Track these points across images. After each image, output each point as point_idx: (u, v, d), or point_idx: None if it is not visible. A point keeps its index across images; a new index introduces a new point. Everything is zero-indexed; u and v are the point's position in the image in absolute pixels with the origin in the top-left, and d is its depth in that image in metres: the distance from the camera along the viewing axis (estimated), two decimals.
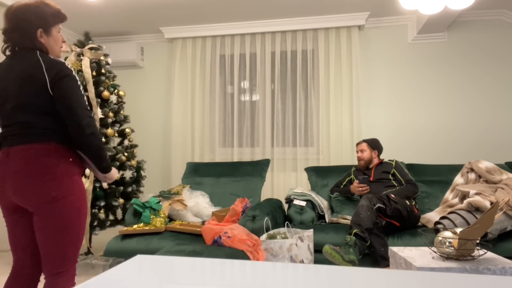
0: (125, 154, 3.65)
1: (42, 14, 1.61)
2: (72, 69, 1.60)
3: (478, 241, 1.90)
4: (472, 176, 3.10)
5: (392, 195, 2.90)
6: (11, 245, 1.65)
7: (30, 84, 1.52)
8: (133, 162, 3.70)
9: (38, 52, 1.58)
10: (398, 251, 2.10)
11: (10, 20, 1.60)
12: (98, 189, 3.33)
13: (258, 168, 3.68)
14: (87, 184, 3.20)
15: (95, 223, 3.37)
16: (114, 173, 1.73)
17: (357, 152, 3.38)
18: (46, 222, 1.53)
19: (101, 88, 3.52)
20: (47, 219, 1.52)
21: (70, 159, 1.59)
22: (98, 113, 3.36)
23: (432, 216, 3.00)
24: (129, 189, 3.60)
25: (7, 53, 1.64)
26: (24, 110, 1.54)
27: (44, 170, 1.52)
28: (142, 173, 3.84)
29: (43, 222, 1.53)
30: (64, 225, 1.54)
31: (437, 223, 2.71)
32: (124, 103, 3.81)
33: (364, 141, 3.40)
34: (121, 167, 3.58)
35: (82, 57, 3.41)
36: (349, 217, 3.01)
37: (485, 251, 1.93)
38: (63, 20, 1.70)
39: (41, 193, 1.51)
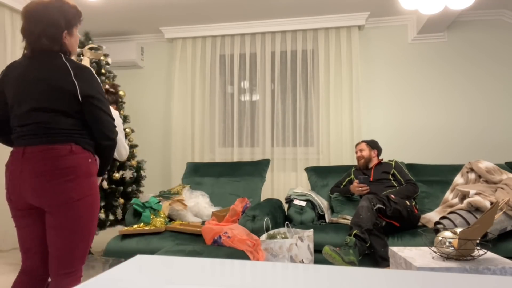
0: None
1: (67, 16, 1.60)
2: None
3: (478, 241, 1.90)
4: (472, 176, 3.10)
5: (392, 196, 2.90)
6: (21, 247, 1.62)
7: (58, 91, 1.52)
8: (133, 162, 3.70)
9: (62, 55, 1.58)
10: (398, 251, 2.10)
11: (34, 23, 1.54)
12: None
13: (258, 168, 3.68)
14: None
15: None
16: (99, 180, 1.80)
17: (356, 152, 3.42)
18: (62, 221, 1.52)
19: None
20: (63, 219, 1.52)
21: (89, 160, 1.60)
22: None
23: (432, 216, 3.00)
24: (129, 189, 3.60)
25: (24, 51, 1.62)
26: (46, 112, 1.53)
27: (65, 170, 1.51)
28: (142, 173, 3.84)
29: (59, 221, 1.52)
30: (79, 225, 1.55)
31: (437, 223, 2.71)
32: (124, 103, 3.81)
33: (363, 141, 3.45)
34: (121, 167, 3.58)
35: (82, 57, 3.41)
36: (349, 217, 3.01)
37: (485, 251, 1.93)
38: (80, 18, 1.69)
39: (61, 194, 1.51)
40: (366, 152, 3.36)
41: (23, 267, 1.64)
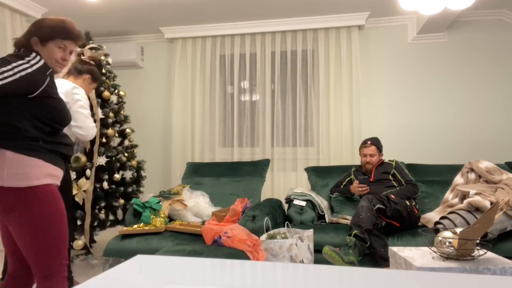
0: (126, 154, 3.65)
1: (42, 28, 1.62)
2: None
3: (478, 241, 1.90)
4: (472, 176, 3.10)
5: (392, 196, 2.90)
6: (5, 249, 1.64)
7: None
8: (133, 162, 3.71)
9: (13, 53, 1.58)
10: (398, 251, 2.10)
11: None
12: (98, 190, 3.33)
13: (258, 168, 3.68)
14: (88, 184, 3.20)
15: (96, 223, 3.38)
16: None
17: (365, 155, 3.30)
18: (21, 223, 1.49)
19: (102, 88, 3.53)
20: (22, 220, 1.48)
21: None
22: (99, 114, 3.36)
23: (432, 216, 3.00)
24: (129, 189, 3.61)
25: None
26: None
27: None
28: (142, 173, 3.84)
29: (18, 223, 1.49)
30: (41, 224, 1.49)
31: (437, 223, 2.71)
32: (124, 103, 3.81)
33: (372, 143, 3.31)
34: (122, 167, 3.58)
35: (82, 57, 3.41)
36: (349, 217, 3.01)
37: (485, 251, 1.93)
38: (66, 37, 1.64)
39: (15, 195, 1.47)
40: (376, 158, 3.27)
41: (9, 270, 1.65)
